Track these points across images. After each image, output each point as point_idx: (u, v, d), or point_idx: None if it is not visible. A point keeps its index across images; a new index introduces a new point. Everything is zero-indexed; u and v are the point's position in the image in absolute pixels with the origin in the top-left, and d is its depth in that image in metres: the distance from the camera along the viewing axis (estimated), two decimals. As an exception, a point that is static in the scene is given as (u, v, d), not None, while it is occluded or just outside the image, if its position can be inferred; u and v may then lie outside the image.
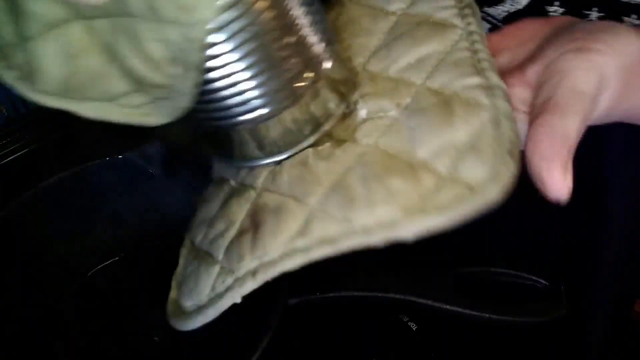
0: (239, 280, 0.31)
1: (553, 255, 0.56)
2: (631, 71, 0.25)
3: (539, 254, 0.56)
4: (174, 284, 0.37)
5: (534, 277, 0.39)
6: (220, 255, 0.32)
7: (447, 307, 0.38)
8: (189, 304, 0.34)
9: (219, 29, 0.26)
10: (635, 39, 0.25)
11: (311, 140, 0.32)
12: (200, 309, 0.33)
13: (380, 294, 0.39)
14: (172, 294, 0.36)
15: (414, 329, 0.52)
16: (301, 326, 0.45)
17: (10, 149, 0.71)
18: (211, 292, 0.32)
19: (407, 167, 0.28)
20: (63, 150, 0.69)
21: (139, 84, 0.27)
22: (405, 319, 0.53)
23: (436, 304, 0.38)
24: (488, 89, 0.28)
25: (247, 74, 0.28)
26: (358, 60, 0.34)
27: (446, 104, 0.29)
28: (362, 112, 0.32)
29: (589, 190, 0.49)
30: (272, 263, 0.29)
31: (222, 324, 0.50)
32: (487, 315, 0.37)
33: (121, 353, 0.50)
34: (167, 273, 0.53)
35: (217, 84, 0.28)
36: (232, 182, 0.35)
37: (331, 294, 0.40)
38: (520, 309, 0.37)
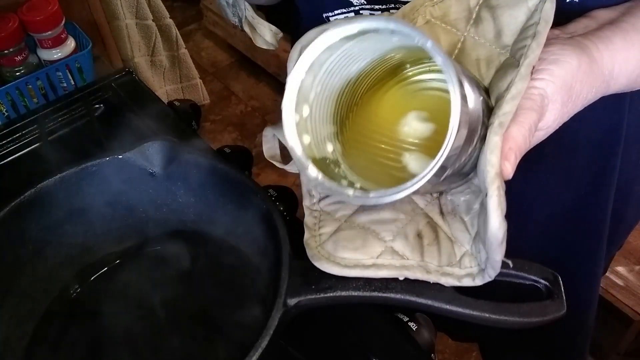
0: None
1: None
2: (570, 84, 0.36)
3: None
4: None
5: (534, 277, 0.39)
6: None
7: (447, 307, 0.38)
8: None
9: None
10: (574, 58, 0.36)
11: None
12: None
13: (380, 294, 0.39)
14: None
15: (414, 329, 0.52)
16: (301, 326, 0.45)
17: (10, 149, 0.71)
18: None
19: None
20: (63, 150, 0.69)
21: None
22: (405, 319, 0.53)
23: (436, 304, 0.38)
24: None
25: None
26: None
27: None
28: None
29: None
30: None
31: (223, 323, 0.50)
32: (487, 315, 0.37)
33: (124, 353, 0.50)
34: (167, 273, 0.54)
35: None
36: None
37: (331, 294, 0.40)
38: (520, 309, 0.37)
